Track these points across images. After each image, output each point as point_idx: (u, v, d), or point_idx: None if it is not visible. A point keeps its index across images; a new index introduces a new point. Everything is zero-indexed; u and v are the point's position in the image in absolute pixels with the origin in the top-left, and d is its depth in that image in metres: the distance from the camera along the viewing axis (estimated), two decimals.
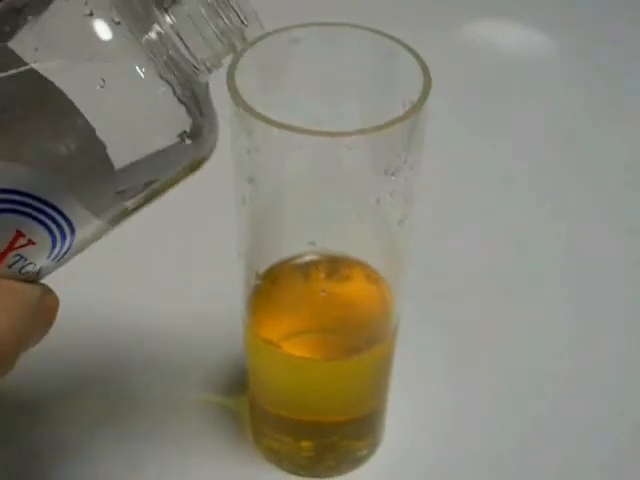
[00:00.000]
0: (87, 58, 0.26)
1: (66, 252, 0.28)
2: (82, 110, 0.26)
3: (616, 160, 0.60)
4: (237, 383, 0.44)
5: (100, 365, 0.46)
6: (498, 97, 0.65)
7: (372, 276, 0.38)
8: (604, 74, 0.68)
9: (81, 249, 0.28)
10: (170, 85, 0.27)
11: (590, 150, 0.61)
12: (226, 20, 0.28)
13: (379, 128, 0.30)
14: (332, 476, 0.42)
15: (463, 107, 0.63)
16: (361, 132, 0.30)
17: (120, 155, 0.26)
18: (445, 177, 0.56)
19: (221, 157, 0.30)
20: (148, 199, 0.29)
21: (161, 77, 0.27)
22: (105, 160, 0.26)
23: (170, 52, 0.27)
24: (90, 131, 0.26)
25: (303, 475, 0.42)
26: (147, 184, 0.28)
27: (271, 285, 0.38)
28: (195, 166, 0.29)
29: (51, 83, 0.25)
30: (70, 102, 0.26)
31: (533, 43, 0.71)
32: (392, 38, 0.34)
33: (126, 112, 0.26)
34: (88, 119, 0.26)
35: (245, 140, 0.32)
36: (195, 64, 0.28)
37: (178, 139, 0.27)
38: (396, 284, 0.37)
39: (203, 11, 0.28)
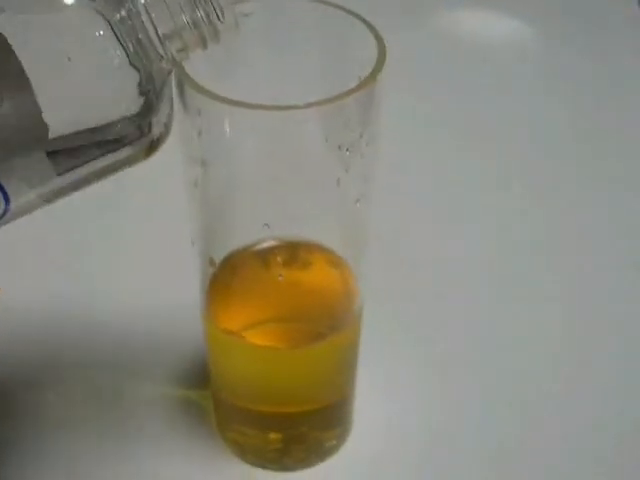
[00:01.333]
0: (53, 27, 0.25)
1: None
2: (30, 73, 0.25)
3: (602, 151, 0.60)
4: (200, 376, 0.43)
5: (56, 361, 0.44)
6: (478, 85, 0.64)
7: (333, 260, 0.37)
8: (586, 63, 0.68)
9: (13, 220, 0.27)
10: (136, 70, 0.26)
11: (574, 139, 0.60)
12: (201, 12, 0.27)
13: (331, 100, 0.29)
14: (301, 468, 0.41)
15: (441, 94, 0.62)
16: (312, 105, 0.29)
17: (58, 125, 0.25)
18: (420, 162, 0.56)
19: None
20: (89, 178, 0.27)
21: (130, 62, 0.26)
22: (40, 127, 0.25)
23: (140, 35, 0.26)
24: (31, 98, 0.25)
25: (271, 468, 0.40)
26: (86, 161, 0.27)
27: (229, 273, 0.36)
28: (144, 152, 0.28)
29: (5, 39, 0.24)
30: (18, 63, 0.24)
31: (514, 31, 0.71)
32: (346, 10, 0.32)
33: (79, 84, 0.26)
34: (34, 86, 0.25)
35: (194, 120, 0.31)
36: (161, 52, 0.27)
37: (126, 122, 0.26)
38: (358, 266, 0.36)
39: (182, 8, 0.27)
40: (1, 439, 0.41)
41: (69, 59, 0.25)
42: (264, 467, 0.40)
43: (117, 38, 0.26)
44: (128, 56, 0.26)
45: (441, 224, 0.53)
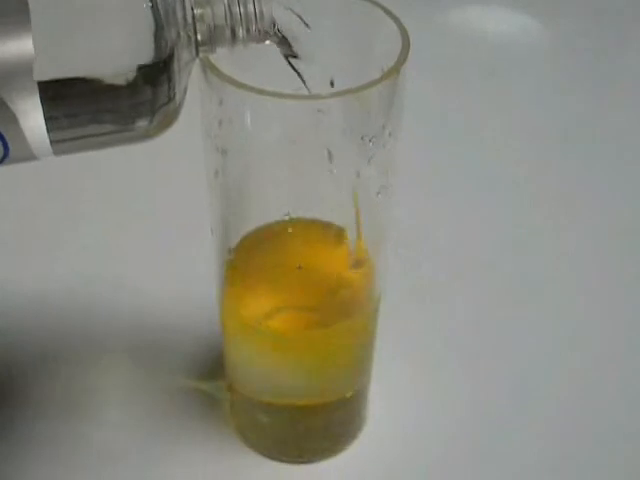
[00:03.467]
0: None
1: None
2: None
3: (610, 147, 0.60)
4: (215, 368, 0.43)
5: (72, 350, 0.44)
6: (489, 82, 0.64)
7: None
8: (595, 59, 0.68)
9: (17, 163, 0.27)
10: (160, 39, 0.25)
11: (582, 135, 0.60)
12: (241, 9, 0.27)
13: (354, 91, 0.29)
14: (314, 461, 0.41)
15: (453, 90, 0.62)
16: (336, 95, 0.29)
17: (57, 65, 0.24)
18: (432, 155, 0.56)
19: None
20: (85, 142, 0.27)
21: (155, 26, 0.25)
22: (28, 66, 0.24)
23: (176, 7, 0.26)
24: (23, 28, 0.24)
25: (284, 460, 0.40)
26: (84, 119, 0.26)
27: (245, 261, 0.36)
28: (167, 121, 0.27)
29: None
30: None
31: (523, 28, 0.71)
32: (373, 2, 0.32)
33: (90, 22, 0.25)
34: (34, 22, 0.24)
35: (216, 109, 0.31)
36: (190, 32, 0.27)
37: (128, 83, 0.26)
38: (377, 257, 0.36)
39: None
40: (15, 428, 0.41)
41: None
42: (277, 459, 0.40)
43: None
44: (156, 24, 0.25)
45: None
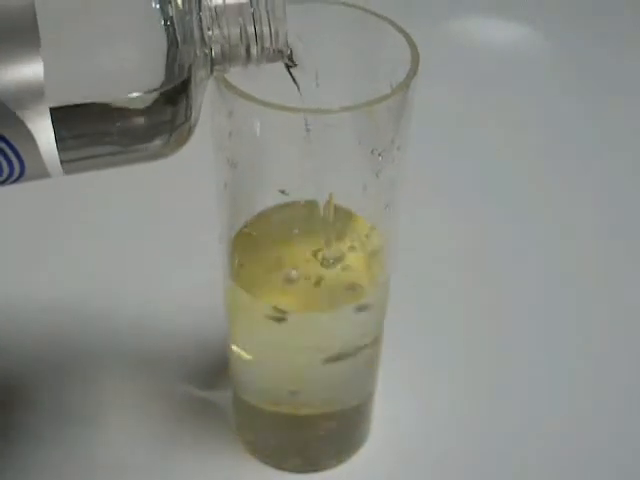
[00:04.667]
0: None
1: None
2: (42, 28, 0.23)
3: (607, 154, 0.60)
4: (220, 376, 0.43)
5: (75, 357, 0.45)
6: (489, 91, 0.65)
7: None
8: (595, 65, 0.68)
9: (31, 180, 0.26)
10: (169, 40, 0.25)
11: (582, 138, 0.61)
12: (256, 30, 0.27)
13: (365, 105, 0.29)
14: (318, 470, 0.41)
15: (454, 98, 0.62)
16: (346, 109, 0.29)
17: (67, 89, 0.24)
18: (433, 157, 0.56)
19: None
20: (98, 162, 0.26)
21: (168, 42, 0.25)
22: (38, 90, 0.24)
23: (193, 27, 0.26)
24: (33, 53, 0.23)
25: (287, 469, 0.40)
26: (99, 140, 0.26)
27: (253, 269, 0.36)
28: (183, 139, 0.27)
29: None
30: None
31: (523, 38, 0.71)
32: (380, 16, 0.32)
33: (103, 46, 0.24)
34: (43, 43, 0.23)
35: (226, 121, 0.31)
36: (206, 50, 0.27)
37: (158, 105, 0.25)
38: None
39: (240, 19, 0.27)
40: (18, 434, 0.41)
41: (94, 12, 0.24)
42: (281, 468, 0.40)
43: (165, 21, 0.25)
44: (173, 44, 0.25)
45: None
